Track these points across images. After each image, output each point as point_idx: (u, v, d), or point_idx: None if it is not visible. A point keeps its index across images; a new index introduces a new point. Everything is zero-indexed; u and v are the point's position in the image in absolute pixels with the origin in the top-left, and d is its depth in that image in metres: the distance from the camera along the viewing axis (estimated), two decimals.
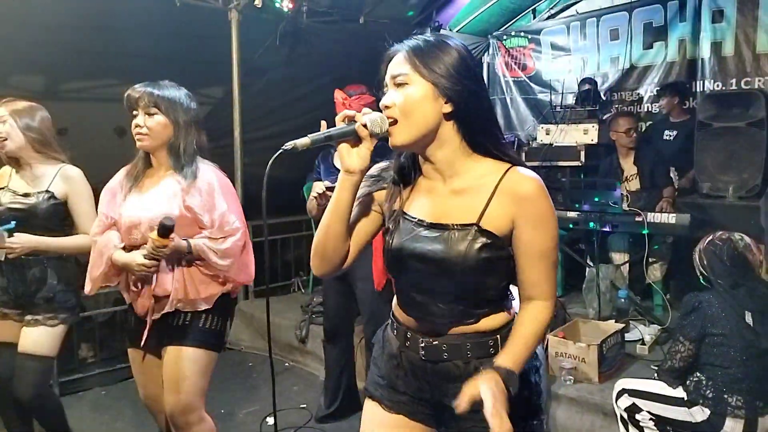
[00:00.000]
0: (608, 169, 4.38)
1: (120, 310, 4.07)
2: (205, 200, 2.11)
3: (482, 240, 1.29)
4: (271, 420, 3.36)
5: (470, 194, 1.33)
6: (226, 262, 2.14)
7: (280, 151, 1.25)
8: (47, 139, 2.53)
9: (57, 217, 2.50)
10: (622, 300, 3.78)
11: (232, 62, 4.50)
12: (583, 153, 4.47)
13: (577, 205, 3.95)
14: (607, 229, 3.84)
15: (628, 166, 4.32)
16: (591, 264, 4.07)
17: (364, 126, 1.27)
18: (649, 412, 2.52)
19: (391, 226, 1.41)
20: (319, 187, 2.94)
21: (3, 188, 2.51)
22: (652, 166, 4.20)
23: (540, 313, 1.35)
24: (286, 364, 4.31)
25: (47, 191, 2.47)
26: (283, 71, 5.05)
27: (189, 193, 2.09)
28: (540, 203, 1.30)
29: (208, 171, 2.16)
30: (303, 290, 5.11)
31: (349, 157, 1.30)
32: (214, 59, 4.50)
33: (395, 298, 1.51)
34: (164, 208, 2.07)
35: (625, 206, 3.82)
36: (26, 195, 2.47)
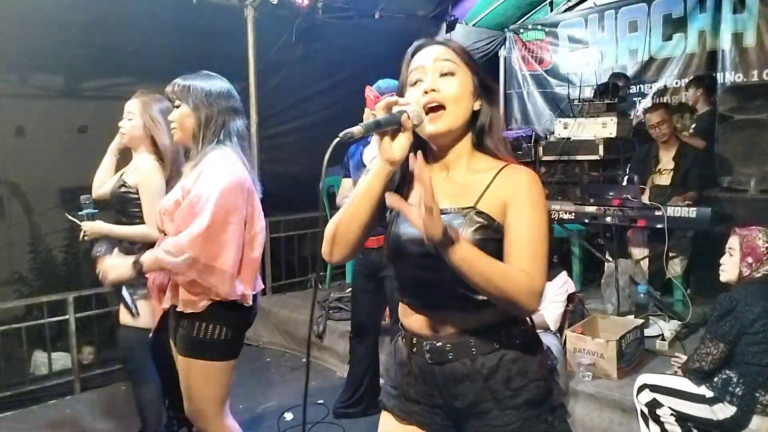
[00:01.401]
0: (643, 158, 4.32)
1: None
2: (194, 184, 2.01)
3: (479, 221, 1.31)
4: (289, 415, 3.38)
5: (470, 184, 1.37)
6: (178, 259, 1.94)
7: (337, 139, 1.22)
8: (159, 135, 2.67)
9: (128, 204, 2.64)
10: (642, 295, 3.74)
11: (248, 59, 4.52)
12: (601, 146, 4.43)
13: (594, 200, 3.92)
14: (625, 223, 3.80)
15: (666, 159, 4.26)
16: (610, 259, 4.03)
17: (408, 117, 1.28)
18: (670, 408, 2.49)
19: (391, 216, 1.41)
20: (348, 185, 3.01)
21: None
22: (691, 164, 4.14)
23: (518, 272, 1.25)
24: (303, 360, 4.33)
25: (121, 179, 2.68)
26: (299, 67, 5.05)
27: (187, 177, 2.06)
28: (531, 189, 1.32)
29: (214, 157, 2.03)
30: (320, 286, 5.13)
31: (390, 148, 1.29)
32: (230, 56, 4.52)
33: (399, 303, 1.50)
34: (172, 195, 2.09)
35: (645, 200, 3.78)
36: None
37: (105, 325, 4.20)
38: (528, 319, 1.45)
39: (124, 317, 2.67)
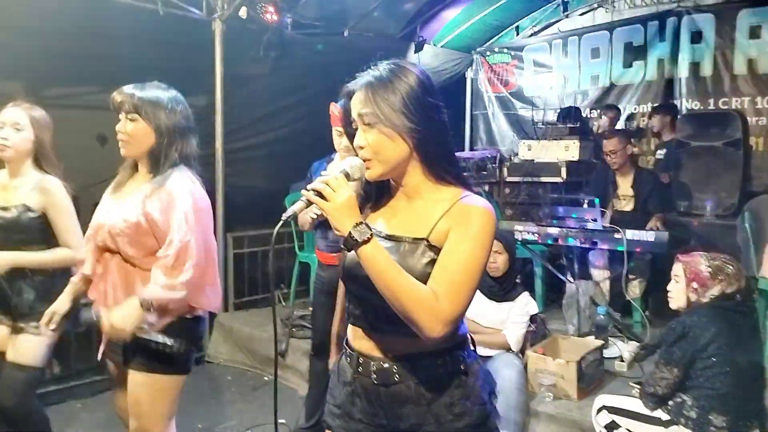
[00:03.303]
0: (594, 186, 4.39)
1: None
2: (164, 208, 1.98)
3: (430, 255, 1.33)
4: None
5: (427, 213, 1.39)
6: (183, 292, 1.97)
7: (281, 222, 1.30)
8: (47, 150, 2.46)
9: (37, 230, 2.39)
10: (602, 316, 3.79)
11: (215, 72, 4.48)
12: (564, 169, 4.52)
13: (556, 221, 3.98)
14: (586, 245, 3.87)
15: (625, 186, 4.35)
16: (571, 280, 4.09)
17: (346, 175, 1.32)
18: (627, 429, 2.52)
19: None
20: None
21: None
22: (650, 191, 4.22)
23: (428, 292, 1.26)
24: (266, 378, 4.26)
25: (23, 204, 2.38)
26: (267, 82, 5.03)
27: (150, 199, 1.99)
28: (476, 223, 1.33)
29: (179, 179, 2.02)
30: (284, 303, 5.06)
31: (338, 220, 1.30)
32: (197, 68, 4.47)
33: (349, 324, 1.52)
34: (125, 214, 2.01)
35: (605, 222, 3.85)
36: (4, 209, 2.38)
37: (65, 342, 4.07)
38: (470, 342, 1.48)
39: (14, 351, 2.39)
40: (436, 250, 1.33)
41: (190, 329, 2.09)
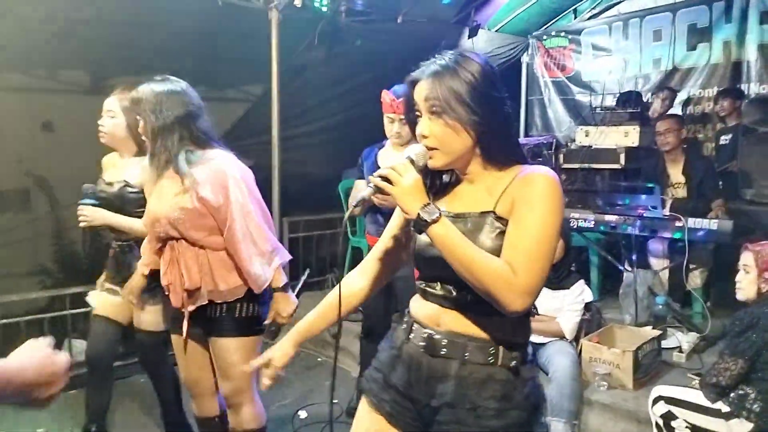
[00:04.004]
0: (652, 174, 4.29)
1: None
2: (216, 189, 2.09)
3: (498, 226, 1.33)
4: (303, 413, 3.41)
5: (489, 189, 1.39)
6: (271, 266, 2.23)
7: (348, 211, 1.39)
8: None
9: (135, 203, 2.60)
10: (660, 306, 3.71)
11: (271, 60, 4.56)
12: (623, 156, 4.40)
13: (614, 209, 3.89)
14: (645, 233, 3.77)
15: (676, 173, 4.23)
16: (629, 269, 4.00)
17: (411, 161, 1.33)
18: (685, 421, 2.47)
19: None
20: (362, 186, 3.01)
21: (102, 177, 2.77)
22: (701, 175, 4.10)
23: (502, 265, 1.25)
24: (319, 359, 4.36)
25: (124, 180, 2.65)
26: (321, 70, 5.09)
27: (199, 185, 2.08)
28: (542, 190, 1.30)
29: (218, 158, 2.14)
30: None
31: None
32: (254, 57, 4.57)
33: (416, 296, 1.53)
34: (179, 202, 2.10)
35: (665, 211, 3.75)
36: (110, 184, 2.69)
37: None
38: (529, 348, 1.45)
39: (138, 321, 2.71)
40: (504, 222, 1.32)
41: (251, 294, 2.25)
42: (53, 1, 3.74)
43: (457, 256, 1.25)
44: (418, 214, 1.26)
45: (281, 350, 1.57)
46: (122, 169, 2.71)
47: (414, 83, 1.38)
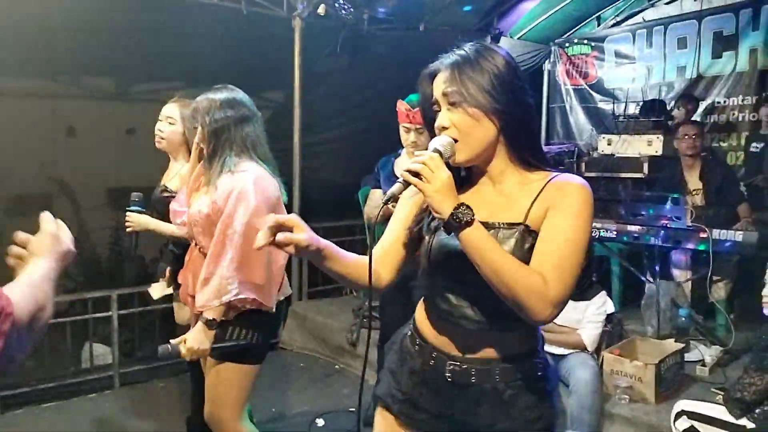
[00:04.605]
0: (670, 182, 4.24)
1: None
2: (224, 198, 2.07)
3: (530, 240, 1.27)
4: (320, 421, 3.41)
5: (517, 197, 1.32)
6: (232, 291, 2.04)
7: (383, 204, 1.23)
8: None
9: (160, 205, 2.69)
10: (683, 318, 3.65)
11: (293, 68, 4.60)
12: (646, 165, 4.34)
13: (637, 219, 3.84)
14: (668, 244, 3.72)
15: (693, 180, 4.18)
16: (651, 280, 3.94)
17: (439, 153, 1.24)
18: None
19: (431, 227, 1.38)
20: (377, 196, 3.01)
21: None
22: (720, 181, 4.04)
23: (534, 273, 1.20)
24: (336, 367, 4.35)
25: (164, 185, 2.73)
26: (343, 77, 5.12)
27: (216, 189, 2.10)
28: (576, 198, 1.26)
29: (242, 172, 2.09)
30: (355, 293, 5.15)
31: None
32: (276, 64, 4.61)
33: (421, 309, 1.47)
34: (201, 205, 2.14)
35: (688, 221, 3.69)
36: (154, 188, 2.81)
37: (145, 322, 4.31)
38: (542, 352, 1.44)
39: (178, 316, 2.78)
40: (535, 235, 1.27)
41: (256, 321, 2.14)
42: (78, 8, 3.81)
43: (488, 262, 1.18)
44: (452, 213, 1.17)
45: (303, 233, 1.21)
46: (168, 174, 2.80)
47: (433, 76, 1.33)
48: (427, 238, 1.38)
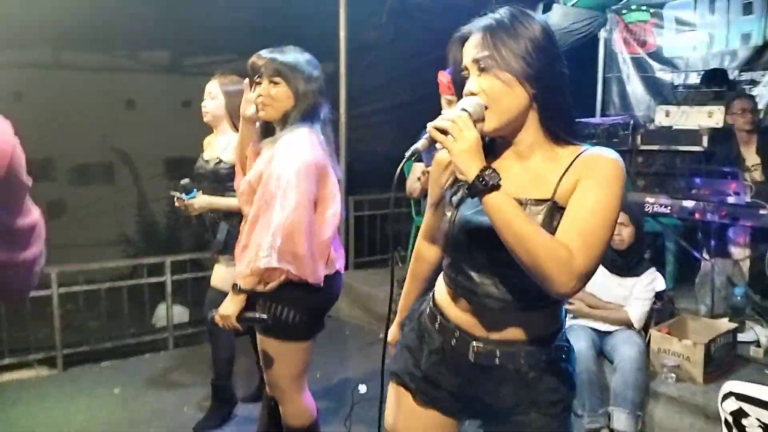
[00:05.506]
0: (726, 157, 4.06)
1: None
2: (266, 166, 1.99)
3: (558, 217, 1.22)
4: (363, 388, 3.47)
5: (545, 172, 1.27)
6: (265, 257, 1.91)
7: (405, 159, 1.22)
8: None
9: (224, 180, 2.78)
10: (739, 298, 3.53)
11: (339, 39, 4.58)
12: (706, 138, 4.16)
13: (694, 194, 3.70)
14: (726, 221, 3.57)
15: (750, 155, 3.99)
16: (706, 257, 3.81)
17: (468, 113, 1.19)
18: (758, 420, 2.34)
19: (454, 201, 1.34)
20: (419, 170, 2.97)
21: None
22: None
23: (558, 244, 1.15)
24: (380, 336, 4.40)
25: (218, 157, 2.84)
26: (390, 48, 5.08)
27: (263, 157, 2.04)
28: (607, 170, 1.22)
29: (292, 139, 1.98)
30: (400, 265, 5.18)
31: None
32: (322, 36, 4.60)
33: (442, 287, 1.44)
34: (250, 174, 2.07)
35: (748, 197, 3.53)
36: (207, 161, 2.90)
37: (199, 288, 4.47)
38: (565, 334, 1.42)
39: (215, 280, 2.92)
40: (563, 210, 1.22)
41: (300, 297, 2.03)
42: None
43: (513, 230, 1.13)
44: (478, 175, 1.12)
45: (392, 334, 1.67)
46: (217, 147, 2.89)
47: (464, 40, 1.28)
48: (448, 214, 1.35)
